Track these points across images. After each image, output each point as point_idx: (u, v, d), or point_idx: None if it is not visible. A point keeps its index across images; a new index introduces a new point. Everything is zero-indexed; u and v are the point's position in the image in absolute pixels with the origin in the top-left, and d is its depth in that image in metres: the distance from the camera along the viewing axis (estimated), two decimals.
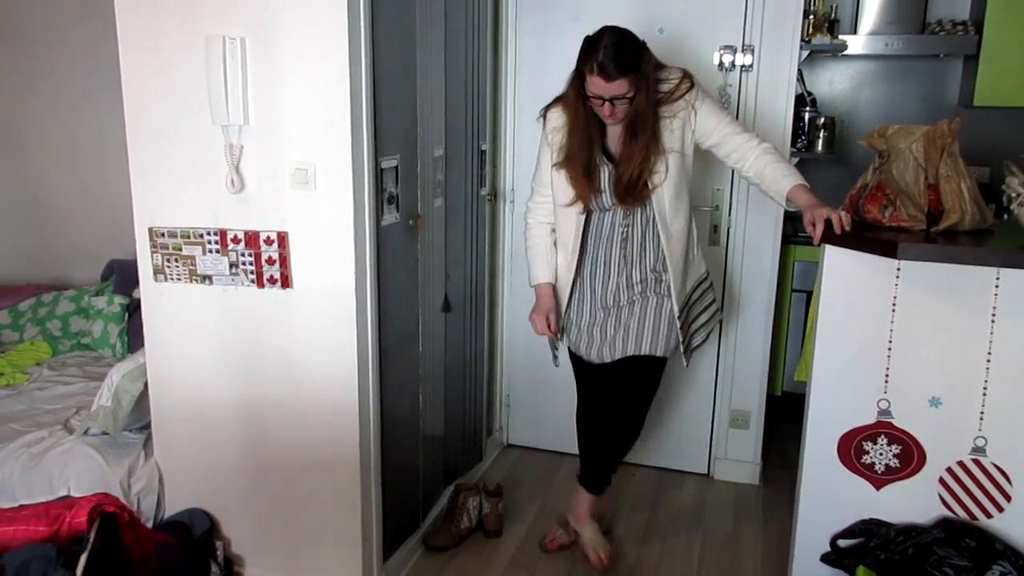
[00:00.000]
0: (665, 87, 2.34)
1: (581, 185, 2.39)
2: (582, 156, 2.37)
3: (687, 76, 2.36)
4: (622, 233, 2.45)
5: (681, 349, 2.52)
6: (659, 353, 2.48)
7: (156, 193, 2.35)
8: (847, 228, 2.05)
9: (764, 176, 2.34)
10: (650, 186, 2.35)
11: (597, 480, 2.73)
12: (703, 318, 2.60)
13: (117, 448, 2.56)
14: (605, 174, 2.39)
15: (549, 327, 2.56)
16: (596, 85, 2.22)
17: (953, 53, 3.66)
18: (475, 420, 3.29)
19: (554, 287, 2.58)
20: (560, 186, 2.44)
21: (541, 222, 2.57)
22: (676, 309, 2.46)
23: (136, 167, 2.36)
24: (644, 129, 2.30)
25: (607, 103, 2.24)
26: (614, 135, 2.39)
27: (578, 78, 2.29)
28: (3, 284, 3.78)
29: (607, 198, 2.40)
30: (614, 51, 2.18)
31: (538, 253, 2.58)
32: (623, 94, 2.22)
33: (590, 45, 2.22)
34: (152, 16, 2.24)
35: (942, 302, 2.06)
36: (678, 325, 2.47)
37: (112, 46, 2.32)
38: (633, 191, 2.35)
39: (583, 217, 2.45)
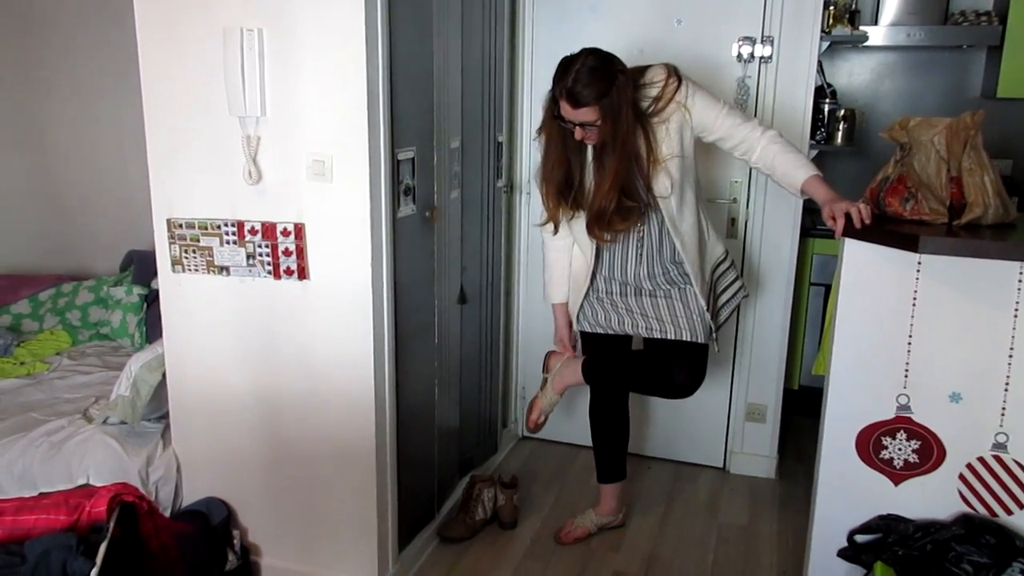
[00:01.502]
0: (651, 92, 2.28)
1: (554, 206, 2.39)
2: (558, 176, 2.35)
3: (672, 73, 2.28)
4: (637, 235, 2.42)
5: (713, 335, 2.48)
6: (700, 340, 2.45)
7: (174, 184, 2.36)
8: (867, 222, 2.02)
9: (775, 168, 2.29)
10: (658, 199, 2.33)
11: (612, 472, 2.76)
12: (726, 295, 2.58)
13: (136, 437, 2.58)
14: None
15: (566, 346, 2.67)
16: (565, 110, 2.21)
17: (976, 44, 3.62)
18: (490, 412, 3.29)
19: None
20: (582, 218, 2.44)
21: (560, 243, 2.54)
22: (702, 301, 2.43)
23: (154, 158, 2.37)
24: (614, 158, 2.24)
25: (578, 127, 2.23)
26: (594, 160, 2.36)
27: (552, 102, 2.27)
28: (24, 274, 3.81)
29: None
30: (586, 77, 2.14)
31: (554, 275, 2.60)
32: (592, 121, 2.19)
33: (563, 67, 2.20)
34: (170, 7, 2.24)
35: (964, 297, 2.04)
36: (708, 316, 2.45)
37: (131, 37, 2.33)
38: (601, 221, 2.32)
39: (593, 253, 2.48)
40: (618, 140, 2.22)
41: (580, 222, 2.43)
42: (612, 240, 2.41)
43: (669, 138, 2.29)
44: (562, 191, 2.36)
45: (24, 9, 3.72)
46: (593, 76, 2.15)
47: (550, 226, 2.49)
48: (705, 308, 2.45)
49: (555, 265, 2.58)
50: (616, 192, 2.27)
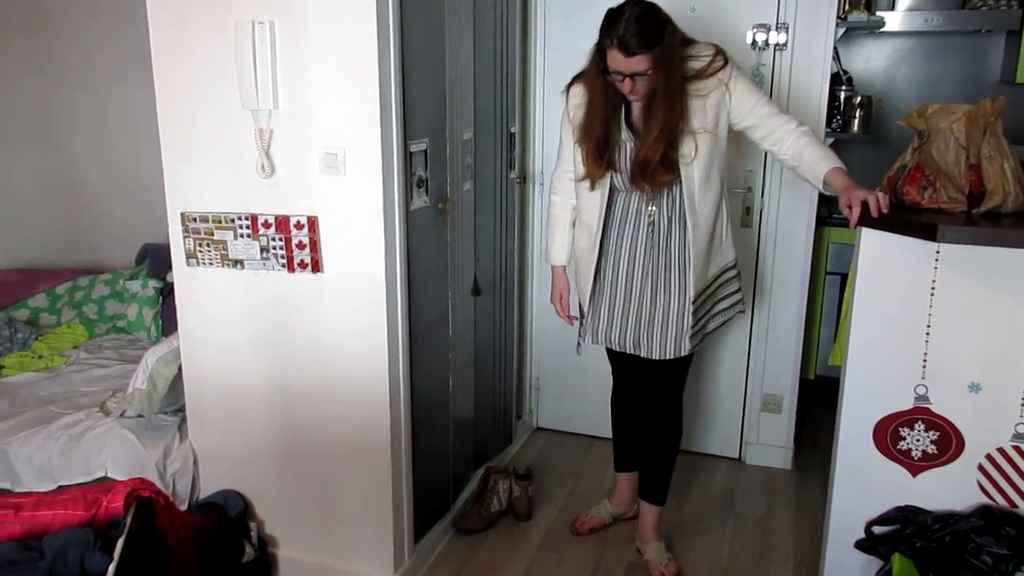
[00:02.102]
0: (696, 64, 2.25)
1: (592, 162, 2.32)
2: (597, 132, 2.30)
3: (720, 53, 2.27)
4: (649, 217, 2.37)
5: (689, 334, 2.39)
6: (682, 354, 2.42)
7: (188, 178, 2.36)
8: (884, 210, 2.00)
9: (802, 159, 2.26)
10: (680, 165, 2.27)
11: (627, 461, 2.76)
12: (722, 305, 2.51)
13: (152, 430, 2.60)
14: (627, 152, 2.31)
15: (562, 307, 2.63)
16: (615, 60, 2.14)
17: (995, 28, 3.56)
18: (505, 403, 3.29)
19: (572, 269, 2.58)
20: (578, 163, 2.40)
21: (564, 201, 2.53)
22: (692, 294, 2.36)
23: (168, 152, 2.37)
24: (663, 106, 2.20)
25: (627, 79, 2.17)
26: (639, 112, 2.30)
27: (599, 52, 2.20)
28: (41, 268, 3.84)
29: (626, 178, 2.34)
30: (635, 25, 2.09)
31: (557, 233, 2.57)
32: (643, 70, 2.14)
33: (612, 18, 2.14)
34: (181, 1, 2.24)
35: (983, 286, 2.01)
36: (690, 317, 2.38)
37: (144, 31, 2.33)
38: (645, 172, 2.27)
39: (605, 198, 2.38)
40: (668, 88, 2.19)
41: (589, 193, 2.39)
42: (652, 197, 2.34)
43: (704, 113, 2.25)
44: (600, 148, 2.31)
45: (37, 4, 3.73)
46: (644, 23, 2.11)
47: (557, 181, 2.52)
48: (691, 302, 2.37)
49: (558, 223, 2.56)
50: (663, 143, 2.22)
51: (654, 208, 2.36)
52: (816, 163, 2.24)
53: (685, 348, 2.40)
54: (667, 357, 2.41)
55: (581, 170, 2.38)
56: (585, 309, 2.56)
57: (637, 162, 2.27)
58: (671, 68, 2.18)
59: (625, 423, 2.76)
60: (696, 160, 2.27)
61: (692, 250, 2.34)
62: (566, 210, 2.53)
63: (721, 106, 2.28)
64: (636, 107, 2.30)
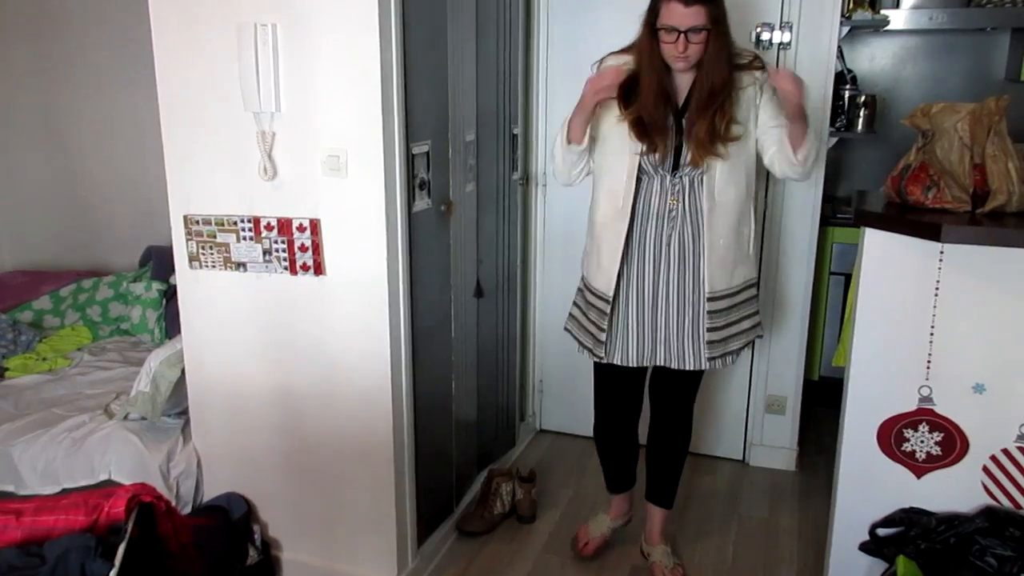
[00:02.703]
0: (737, 60, 2.21)
1: (653, 120, 2.16)
2: (652, 90, 2.16)
3: (759, 58, 2.25)
4: (671, 214, 2.25)
5: (706, 352, 2.30)
6: (701, 367, 2.35)
7: (190, 180, 2.36)
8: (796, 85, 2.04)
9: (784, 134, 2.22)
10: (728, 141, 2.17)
11: (626, 481, 2.69)
12: (746, 324, 2.38)
13: (156, 433, 2.60)
14: (668, 133, 2.20)
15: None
16: (672, 13, 2.06)
17: (1000, 26, 3.55)
18: (508, 405, 3.29)
19: (586, 245, 2.43)
20: (616, 140, 2.24)
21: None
22: (706, 306, 2.26)
23: (171, 155, 2.37)
24: (718, 72, 2.12)
25: (681, 37, 2.07)
26: (678, 82, 2.21)
27: (651, 13, 2.14)
28: (45, 270, 3.85)
29: (664, 153, 2.21)
30: None
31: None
32: (700, 25, 2.07)
33: None
34: (185, 2, 2.24)
35: (987, 286, 2.00)
36: (704, 333, 2.29)
37: (145, 33, 2.33)
38: (715, 138, 2.15)
39: (633, 182, 2.24)
40: (724, 49, 2.14)
41: (617, 180, 2.26)
42: (674, 193, 2.23)
43: (739, 105, 2.21)
44: (655, 120, 2.18)
45: (42, 6, 3.74)
46: None
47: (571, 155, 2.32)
48: (707, 324, 2.28)
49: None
50: (726, 111, 2.17)
51: (675, 204, 2.26)
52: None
53: (703, 360, 2.32)
54: (700, 367, 2.33)
55: (622, 150, 2.23)
56: (604, 293, 2.33)
57: (705, 129, 2.15)
58: (725, 29, 2.13)
59: (623, 446, 2.62)
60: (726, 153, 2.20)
61: (707, 238, 2.24)
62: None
63: (751, 104, 2.23)
64: (678, 81, 2.21)
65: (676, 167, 2.23)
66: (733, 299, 2.33)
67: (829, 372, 3.63)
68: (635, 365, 2.37)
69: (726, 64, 2.16)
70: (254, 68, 2.16)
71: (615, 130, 2.26)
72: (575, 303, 2.49)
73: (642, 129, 2.19)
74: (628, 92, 2.20)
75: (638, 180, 2.25)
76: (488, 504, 2.85)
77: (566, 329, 2.52)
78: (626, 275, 2.32)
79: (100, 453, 2.52)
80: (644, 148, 2.21)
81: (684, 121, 2.21)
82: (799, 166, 2.24)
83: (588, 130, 2.25)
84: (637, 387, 2.52)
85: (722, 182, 2.24)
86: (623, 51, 2.28)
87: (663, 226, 2.27)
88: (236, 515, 2.48)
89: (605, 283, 2.34)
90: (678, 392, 2.50)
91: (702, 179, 2.23)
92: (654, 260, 2.30)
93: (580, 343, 2.45)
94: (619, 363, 2.37)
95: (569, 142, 2.27)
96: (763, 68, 2.24)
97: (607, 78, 2.17)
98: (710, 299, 2.28)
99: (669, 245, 2.27)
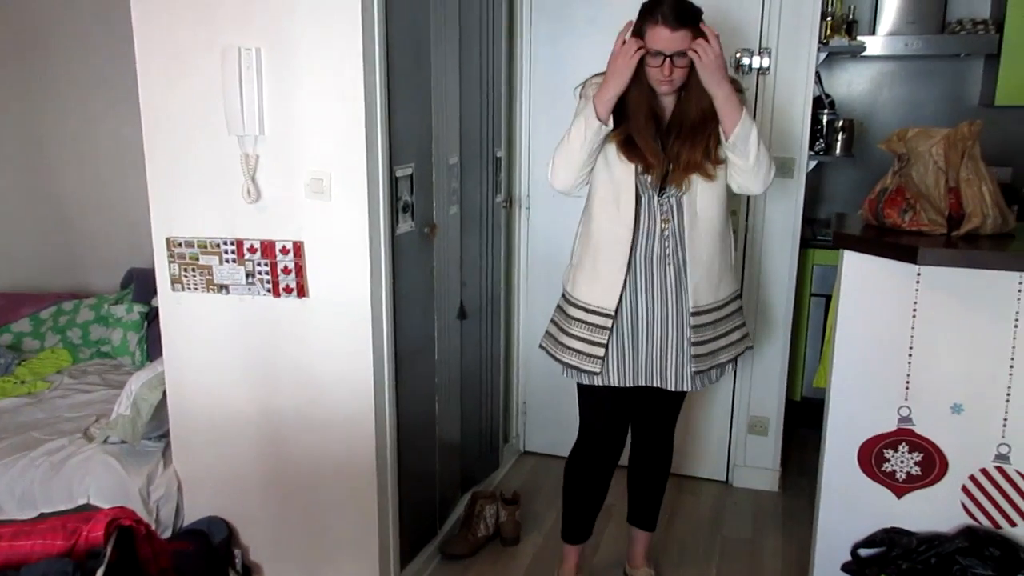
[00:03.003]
0: None
1: (644, 140, 2.15)
2: (642, 111, 2.16)
3: (738, 83, 2.23)
4: (663, 234, 2.23)
5: (693, 367, 2.27)
6: (692, 388, 2.31)
7: (173, 203, 2.36)
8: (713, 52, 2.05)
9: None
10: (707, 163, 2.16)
11: (584, 530, 2.58)
12: (735, 336, 2.36)
13: (136, 456, 2.57)
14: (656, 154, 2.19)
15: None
16: (658, 38, 2.07)
17: (974, 53, 3.62)
18: (491, 427, 3.28)
19: (583, 256, 2.34)
20: (614, 155, 2.20)
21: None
22: (691, 321, 2.23)
23: (153, 177, 2.37)
24: (708, 96, 2.11)
25: (667, 61, 2.07)
26: (664, 104, 2.21)
27: (637, 36, 2.12)
28: (25, 292, 3.82)
29: (656, 181, 2.19)
30: (677, 2, 2.07)
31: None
32: (686, 48, 2.07)
33: (651, 2, 2.10)
34: (168, 26, 2.25)
35: (964, 307, 2.03)
36: (688, 348, 2.25)
37: (128, 55, 2.34)
38: (708, 160, 2.15)
39: (633, 197, 2.20)
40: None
41: (629, 173, 2.21)
42: (665, 214, 2.22)
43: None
44: (647, 140, 2.17)
45: (25, 27, 3.74)
46: (684, 2, 2.09)
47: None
48: (691, 338, 2.25)
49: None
50: (710, 136, 2.17)
51: (667, 225, 2.22)
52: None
53: (691, 381, 2.28)
54: (690, 388, 2.30)
55: (617, 169, 2.21)
56: (603, 307, 2.26)
57: (687, 148, 2.16)
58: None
59: (599, 478, 2.49)
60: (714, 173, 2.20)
61: (690, 253, 2.21)
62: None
63: None
64: (664, 104, 2.21)
65: (662, 189, 2.21)
66: (720, 312, 2.32)
67: (811, 393, 3.65)
68: (630, 385, 2.31)
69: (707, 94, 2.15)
70: (238, 91, 2.17)
71: (613, 145, 2.22)
72: (553, 320, 2.41)
73: (632, 149, 2.18)
74: (615, 113, 2.17)
75: (637, 198, 2.22)
76: (472, 527, 2.84)
77: (542, 347, 2.44)
78: (628, 291, 2.27)
79: (79, 477, 2.50)
80: (640, 168, 2.19)
81: (671, 143, 2.19)
82: (741, 161, 2.16)
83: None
84: (627, 409, 2.43)
85: (704, 200, 2.22)
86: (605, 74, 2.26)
87: (656, 246, 2.24)
88: (217, 539, 2.45)
89: (603, 296, 2.25)
90: (662, 414, 2.50)
91: (683, 198, 2.22)
92: (647, 280, 2.25)
93: (563, 363, 2.35)
94: (614, 384, 2.30)
95: (597, 120, 2.15)
96: (743, 95, 2.24)
97: (630, 47, 2.11)
98: (695, 313, 2.24)
99: (663, 266, 2.24)
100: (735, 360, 2.41)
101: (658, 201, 2.22)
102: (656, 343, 2.28)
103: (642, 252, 2.25)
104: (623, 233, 2.23)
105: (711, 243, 2.25)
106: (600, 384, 2.31)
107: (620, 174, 2.21)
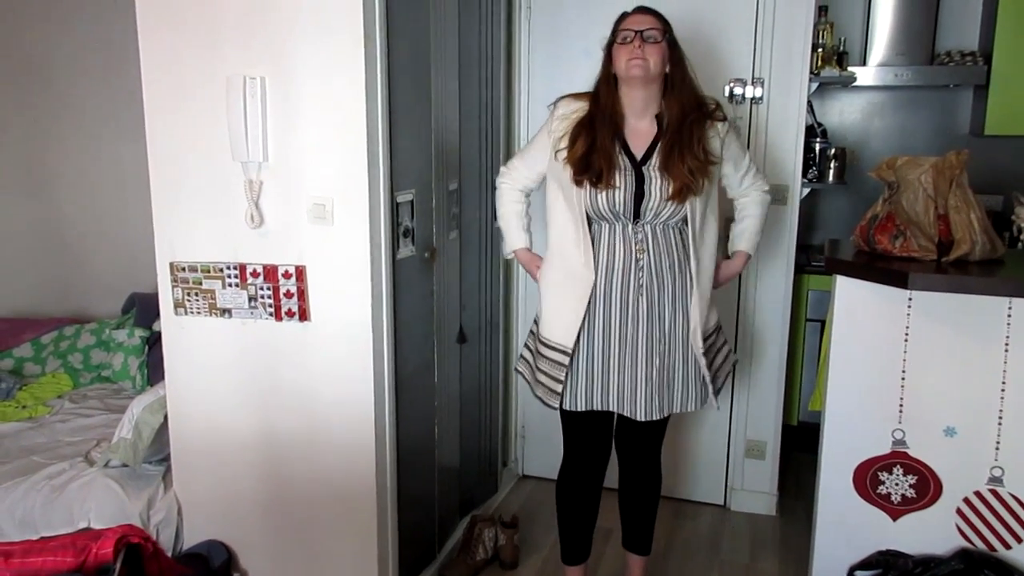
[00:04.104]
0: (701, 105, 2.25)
1: (606, 157, 2.13)
2: (610, 127, 2.17)
3: (720, 108, 2.27)
4: (638, 264, 2.18)
5: (711, 391, 2.30)
6: (694, 408, 2.31)
7: (177, 228, 2.40)
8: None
9: (738, 222, 2.41)
10: (698, 180, 2.14)
11: (580, 550, 2.58)
12: (723, 355, 2.40)
13: (137, 480, 2.59)
14: (624, 174, 2.16)
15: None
16: (629, 21, 2.14)
17: (963, 83, 3.69)
18: (490, 451, 3.30)
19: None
20: (566, 182, 2.19)
21: (515, 188, 2.39)
22: (702, 347, 2.22)
23: (158, 203, 2.41)
24: (680, 88, 2.16)
25: (637, 37, 2.09)
26: (636, 132, 2.20)
27: (608, 49, 2.20)
28: (26, 318, 3.84)
29: (622, 196, 2.14)
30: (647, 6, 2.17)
31: (513, 221, 2.41)
32: (656, 28, 2.12)
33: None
34: (174, 55, 2.30)
35: (955, 332, 2.07)
36: (706, 372, 2.27)
37: (133, 82, 2.39)
38: (694, 162, 2.13)
39: (586, 229, 2.18)
40: (680, 72, 2.18)
41: (567, 226, 2.22)
42: (642, 244, 2.19)
43: (709, 141, 2.22)
44: (607, 151, 2.16)
45: (27, 54, 3.79)
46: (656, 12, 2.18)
47: (508, 170, 2.41)
48: (702, 353, 2.24)
49: (512, 210, 2.41)
50: (692, 118, 2.19)
51: (642, 254, 2.19)
52: (740, 236, 2.40)
53: (709, 398, 2.29)
54: (690, 409, 2.30)
55: (571, 187, 2.19)
56: (565, 345, 2.25)
57: (679, 149, 2.14)
58: (680, 54, 2.18)
59: (587, 497, 2.52)
60: (704, 189, 2.19)
61: (696, 291, 2.21)
62: (520, 198, 2.41)
63: (719, 146, 2.25)
64: (632, 128, 2.20)
65: (637, 216, 2.17)
66: (712, 338, 2.33)
67: (807, 417, 3.67)
68: (596, 409, 2.31)
69: (692, 88, 2.20)
70: (243, 119, 2.21)
71: (561, 193, 2.23)
72: (527, 346, 2.44)
73: (585, 164, 2.14)
74: (575, 138, 2.19)
75: (592, 227, 2.20)
76: (471, 550, 2.85)
77: (516, 370, 2.50)
78: (587, 328, 2.24)
79: (80, 501, 2.51)
80: (589, 182, 2.14)
81: (650, 164, 2.17)
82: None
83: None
84: (605, 429, 2.44)
85: (700, 225, 2.20)
86: (579, 96, 2.27)
87: (630, 278, 2.19)
88: (216, 563, 2.46)
89: (564, 335, 2.25)
90: (643, 440, 2.45)
91: (683, 222, 2.19)
92: (620, 312, 2.21)
93: (534, 393, 2.40)
94: (577, 409, 2.31)
95: (511, 249, 2.47)
96: (725, 119, 2.26)
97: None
98: (703, 349, 2.26)
99: (638, 296, 2.20)
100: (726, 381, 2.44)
101: (632, 230, 2.19)
102: (636, 373, 2.25)
103: (611, 285, 2.21)
104: (584, 269, 2.20)
105: (708, 271, 2.27)
106: (568, 408, 2.32)
107: (566, 210, 2.21)
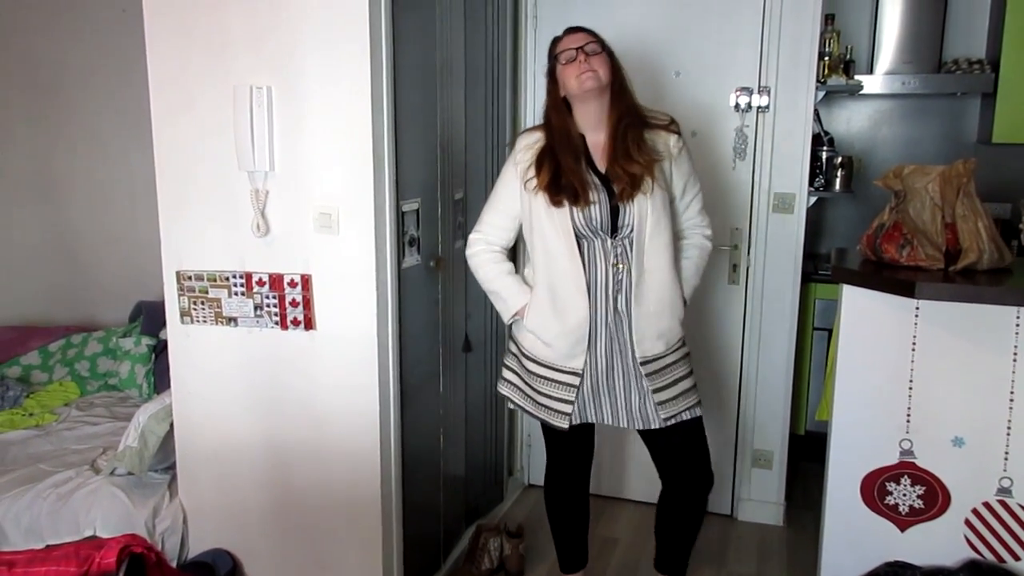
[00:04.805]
0: (651, 119, 2.24)
1: (577, 176, 2.12)
2: (571, 149, 2.17)
3: (675, 123, 2.25)
4: (616, 276, 2.18)
5: (658, 418, 2.24)
6: (655, 426, 2.26)
7: (184, 237, 2.41)
8: None
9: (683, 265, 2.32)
10: (646, 175, 2.12)
11: (575, 557, 2.58)
12: (681, 387, 2.27)
13: (143, 488, 2.59)
14: (596, 190, 2.15)
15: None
16: (566, 43, 2.16)
17: (970, 91, 3.68)
18: (496, 460, 3.29)
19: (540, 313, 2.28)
20: (543, 209, 2.17)
21: (491, 249, 2.32)
22: (643, 369, 2.19)
23: (165, 212, 2.42)
24: (623, 97, 2.19)
25: (579, 53, 2.11)
26: (596, 147, 2.20)
27: (550, 73, 2.21)
28: (34, 326, 3.86)
29: (598, 211, 2.13)
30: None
31: (507, 281, 2.32)
32: (592, 40, 2.14)
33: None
34: (181, 65, 2.31)
35: (962, 341, 2.06)
36: (645, 382, 2.21)
37: (140, 91, 2.40)
38: (640, 154, 2.13)
39: (575, 248, 2.16)
40: (621, 81, 2.20)
41: (559, 247, 2.18)
42: (618, 255, 2.17)
43: (657, 150, 2.20)
44: (575, 171, 2.15)
45: (36, 65, 3.82)
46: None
47: (478, 236, 2.34)
48: (648, 387, 2.21)
49: (498, 270, 2.34)
50: (636, 116, 2.21)
51: (622, 267, 2.17)
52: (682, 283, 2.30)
53: (660, 419, 2.24)
54: (642, 427, 2.27)
55: (553, 215, 2.16)
56: (575, 367, 2.23)
57: (624, 148, 2.15)
58: (618, 63, 2.20)
59: (574, 502, 2.51)
60: (654, 193, 2.14)
61: (636, 306, 2.17)
62: (500, 257, 2.34)
63: (666, 160, 2.22)
64: (594, 143, 2.21)
65: (615, 230, 2.16)
66: (666, 359, 2.26)
67: (815, 426, 3.65)
68: (593, 422, 2.32)
69: (630, 96, 2.22)
70: (249, 129, 2.22)
71: (549, 208, 2.18)
72: (509, 367, 2.40)
73: (557, 188, 2.14)
74: (540, 166, 2.19)
75: (581, 247, 2.18)
76: (476, 560, 2.84)
77: (500, 393, 2.44)
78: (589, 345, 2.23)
79: (85, 509, 2.51)
80: (568, 200, 2.14)
81: (611, 167, 2.16)
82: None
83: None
84: (587, 437, 2.43)
85: (650, 233, 2.17)
86: (533, 129, 2.29)
87: (612, 291, 2.19)
88: (222, 571, 2.46)
89: (567, 357, 2.23)
90: (678, 449, 2.34)
91: (633, 240, 2.17)
92: (607, 327, 2.21)
93: (525, 412, 2.37)
94: (576, 423, 2.29)
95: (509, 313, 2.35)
96: (679, 134, 2.25)
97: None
98: (643, 363, 2.21)
99: (618, 309, 2.19)
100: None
101: (611, 244, 2.17)
102: (617, 386, 2.25)
103: (597, 301, 2.20)
104: (577, 293, 2.18)
105: (657, 283, 2.21)
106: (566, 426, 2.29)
107: (563, 224, 2.17)
